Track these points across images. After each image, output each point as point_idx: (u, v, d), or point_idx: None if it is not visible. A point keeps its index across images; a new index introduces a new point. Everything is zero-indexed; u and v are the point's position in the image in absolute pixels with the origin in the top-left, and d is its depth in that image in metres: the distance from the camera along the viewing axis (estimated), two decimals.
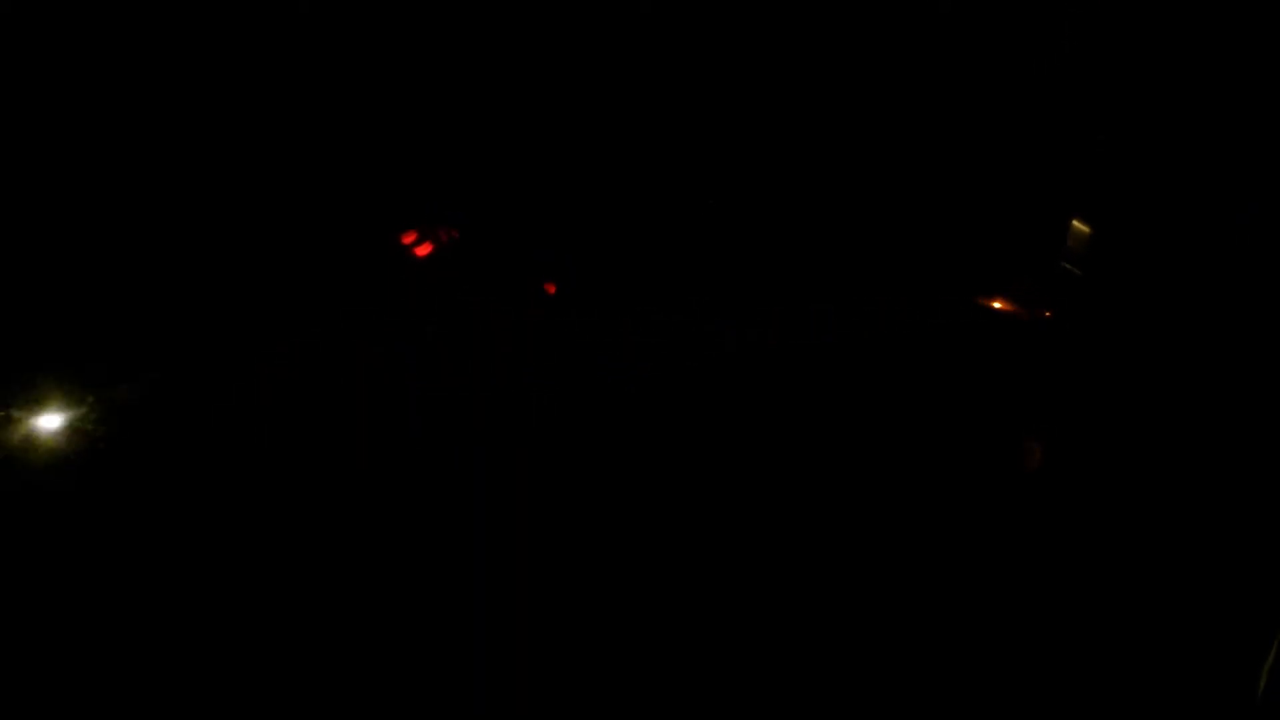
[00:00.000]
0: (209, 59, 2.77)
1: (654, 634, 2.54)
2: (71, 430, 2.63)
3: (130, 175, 2.77)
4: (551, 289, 2.82)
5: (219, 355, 2.71)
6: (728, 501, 2.73)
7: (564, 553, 2.63)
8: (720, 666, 2.52)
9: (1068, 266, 2.92)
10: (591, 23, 2.84)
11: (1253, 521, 2.61)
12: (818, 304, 2.91)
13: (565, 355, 2.79)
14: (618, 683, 2.47)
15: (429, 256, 2.82)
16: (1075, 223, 2.92)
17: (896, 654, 2.56)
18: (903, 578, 2.66)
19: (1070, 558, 2.66)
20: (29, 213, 2.68)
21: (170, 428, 2.67)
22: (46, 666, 2.37)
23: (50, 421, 2.64)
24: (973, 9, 2.95)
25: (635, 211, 2.91)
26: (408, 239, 2.82)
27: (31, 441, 2.63)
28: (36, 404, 2.64)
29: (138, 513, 2.59)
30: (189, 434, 2.66)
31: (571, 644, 2.51)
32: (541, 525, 2.65)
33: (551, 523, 2.65)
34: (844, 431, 2.83)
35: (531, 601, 2.56)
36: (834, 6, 2.92)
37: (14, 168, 2.68)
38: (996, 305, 2.94)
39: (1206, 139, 2.87)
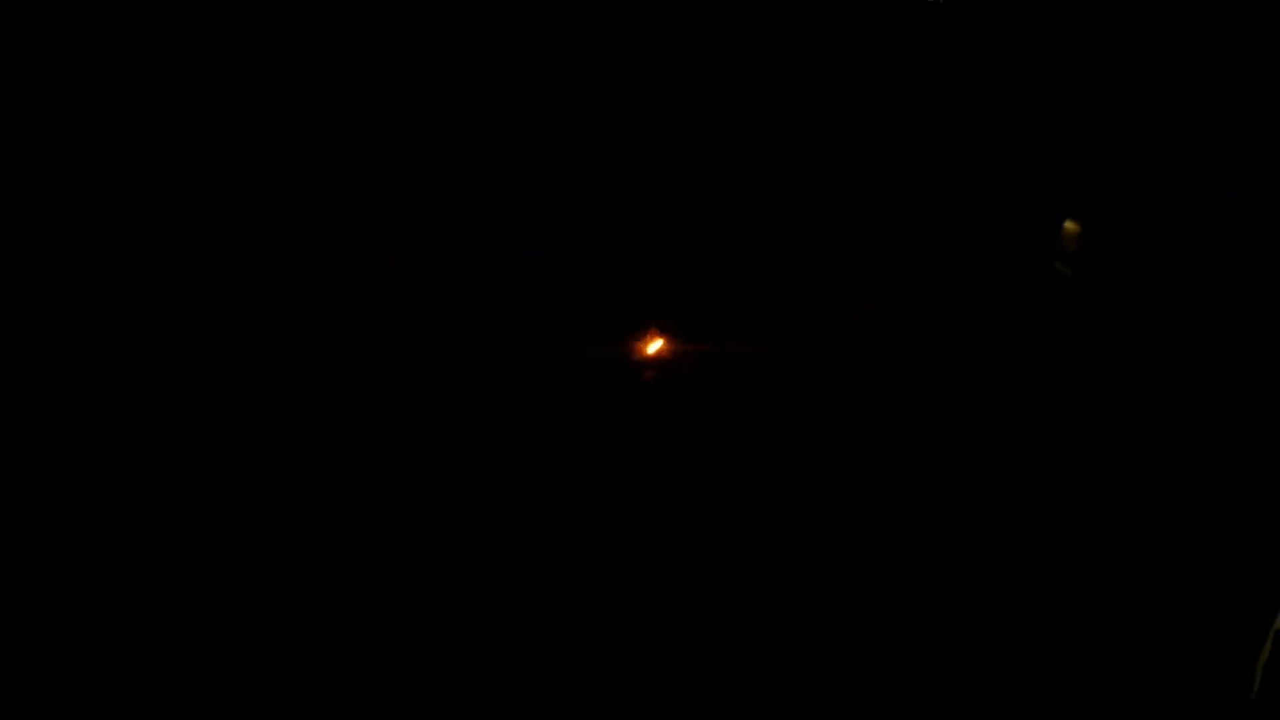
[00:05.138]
0: (207, 66, 2.77)
1: (652, 631, 2.54)
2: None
3: (128, 179, 2.78)
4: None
5: (214, 357, 2.72)
6: (726, 499, 2.73)
7: (565, 547, 2.63)
8: (714, 663, 2.52)
9: (1059, 267, 2.93)
10: (584, 32, 2.86)
11: (1247, 517, 2.61)
12: (811, 308, 2.92)
13: (558, 354, 2.79)
14: (623, 679, 2.47)
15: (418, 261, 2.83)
16: (1067, 224, 2.93)
17: (897, 648, 2.56)
18: (905, 572, 2.66)
19: (1067, 553, 2.66)
20: (22, 212, 2.68)
21: (169, 429, 2.67)
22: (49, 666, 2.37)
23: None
24: (963, 16, 2.97)
25: (627, 215, 2.92)
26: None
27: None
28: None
29: (135, 516, 2.59)
30: (191, 435, 2.66)
31: (574, 638, 2.51)
32: (543, 521, 2.65)
33: (553, 519, 2.65)
34: (839, 433, 2.83)
35: (532, 596, 2.55)
36: (825, 14, 2.93)
37: (11, 167, 2.68)
38: (988, 306, 2.95)
39: (1193, 139, 2.88)
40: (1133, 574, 2.60)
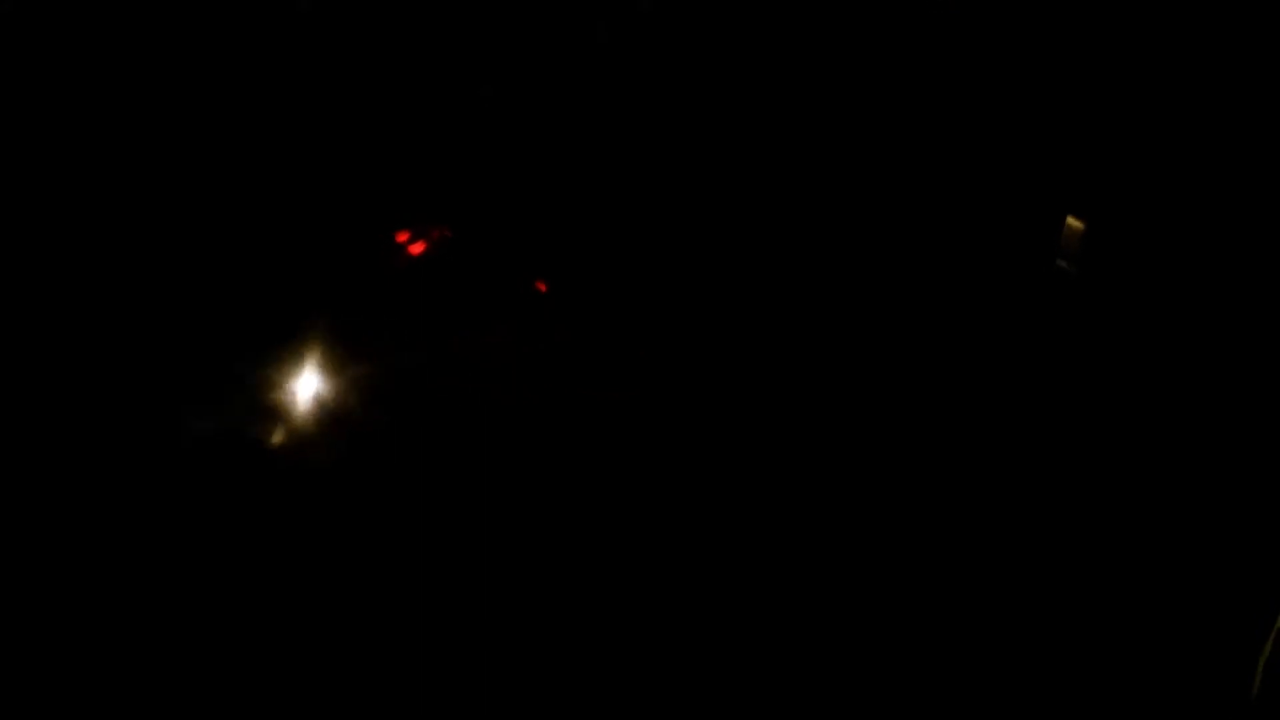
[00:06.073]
0: (207, 61, 2.78)
1: (645, 630, 2.54)
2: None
3: (128, 176, 2.79)
4: (543, 287, 2.83)
5: (213, 356, 2.73)
6: (720, 499, 2.73)
7: (561, 548, 2.63)
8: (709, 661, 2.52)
9: (1062, 264, 2.92)
10: (583, 25, 2.85)
11: (1248, 517, 2.61)
12: (810, 306, 2.92)
13: (558, 352, 2.80)
14: (609, 680, 2.47)
15: (422, 255, 2.83)
16: (1070, 220, 2.92)
17: (893, 650, 2.56)
18: (898, 574, 2.66)
19: (1067, 553, 2.66)
20: (18, 212, 2.69)
21: (166, 428, 2.68)
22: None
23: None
24: (967, 10, 2.96)
25: (628, 211, 2.92)
26: (401, 237, 2.83)
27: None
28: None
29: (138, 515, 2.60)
30: (187, 434, 2.67)
31: (568, 639, 2.51)
32: (538, 521, 2.65)
33: (548, 518, 2.65)
34: (836, 434, 2.83)
35: (528, 597, 2.56)
36: (824, 8, 2.92)
37: (11, 167, 2.70)
38: (988, 305, 2.94)
39: (1200, 135, 2.87)
40: (1133, 574, 2.60)
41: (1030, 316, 2.92)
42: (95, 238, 2.72)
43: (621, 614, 2.55)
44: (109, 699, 2.40)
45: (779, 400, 2.84)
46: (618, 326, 2.80)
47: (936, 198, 2.99)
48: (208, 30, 2.68)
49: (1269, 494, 2.63)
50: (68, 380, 2.63)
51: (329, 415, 2.68)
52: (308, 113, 2.77)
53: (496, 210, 2.90)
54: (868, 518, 2.73)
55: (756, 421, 2.81)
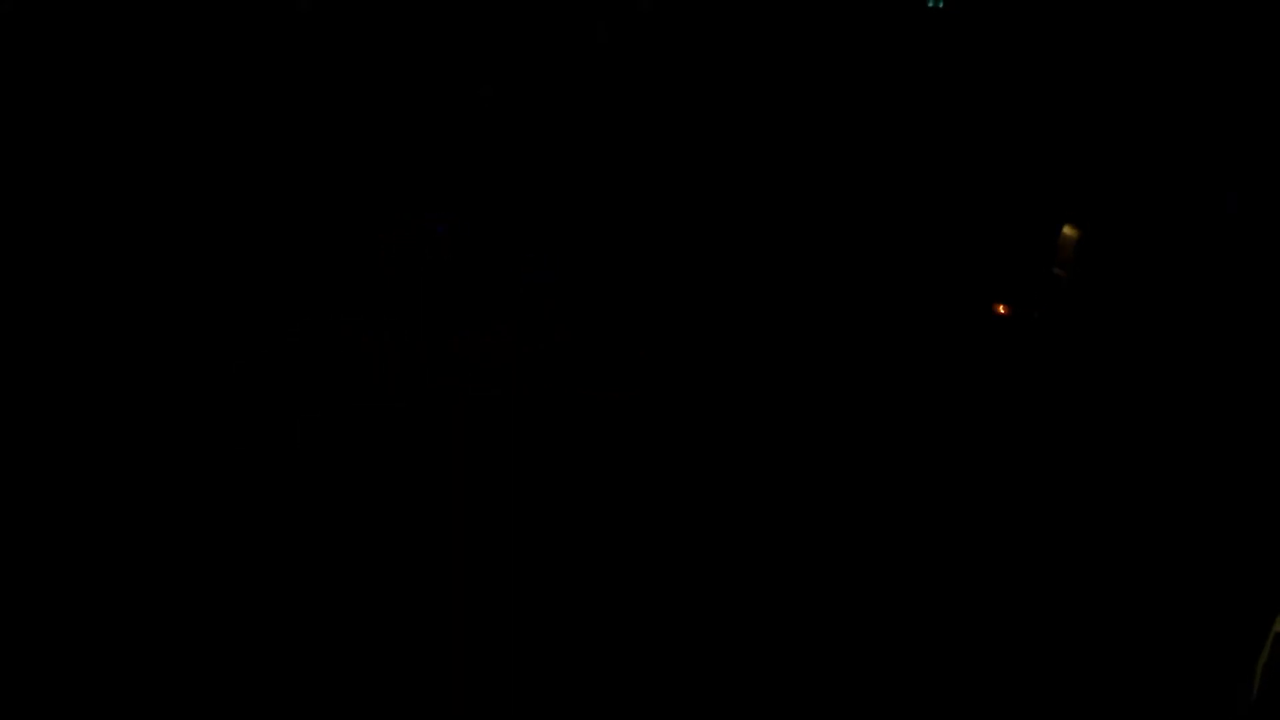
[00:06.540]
0: (207, 64, 2.78)
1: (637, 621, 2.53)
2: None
3: (132, 176, 2.78)
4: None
5: (214, 357, 2.72)
6: (718, 497, 2.72)
7: (560, 545, 2.62)
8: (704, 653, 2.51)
9: (1057, 271, 2.94)
10: (583, 25, 2.86)
11: (1245, 518, 2.61)
12: (811, 307, 2.93)
13: (558, 352, 2.79)
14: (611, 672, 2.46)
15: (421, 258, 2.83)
16: (1065, 229, 2.94)
17: (894, 649, 2.55)
18: (898, 571, 2.66)
19: (1067, 554, 2.66)
20: (13, 212, 2.68)
21: (162, 427, 2.67)
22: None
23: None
24: (966, 20, 2.98)
25: (628, 211, 2.92)
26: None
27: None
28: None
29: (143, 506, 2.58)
30: (186, 434, 2.66)
31: (562, 631, 2.50)
32: (538, 517, 2.64)
33: (548, 515, 2.64)
34: (837, 433, 2.83)
35: (521, 588, 2.54)
36: (824, 14, 2.93)
37: (12, 167, 2.68)
38: (987, 308, 2.95)
39: (1193, 144, 2.89)
40: (1133, 575, 2.60)
41: (1026, 321, 2.93)
42: (95, 237, 2.71)
43: (619, 608, 2.54)
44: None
45: (777, 399, 2.84)
46: (618, 326, 2.80)
47: (934, 199, 3.00)
48: (209, 30, 2.68)
49: (1268, 495, 2.63)
50: (79, 377, 2.61)
51: (327, 415, 2.67)
52: (307, 112, 2.78)
53: (496, 210, 2.90)
54: (866, 515, 2.72)
55: (755, 420, 2.80)
